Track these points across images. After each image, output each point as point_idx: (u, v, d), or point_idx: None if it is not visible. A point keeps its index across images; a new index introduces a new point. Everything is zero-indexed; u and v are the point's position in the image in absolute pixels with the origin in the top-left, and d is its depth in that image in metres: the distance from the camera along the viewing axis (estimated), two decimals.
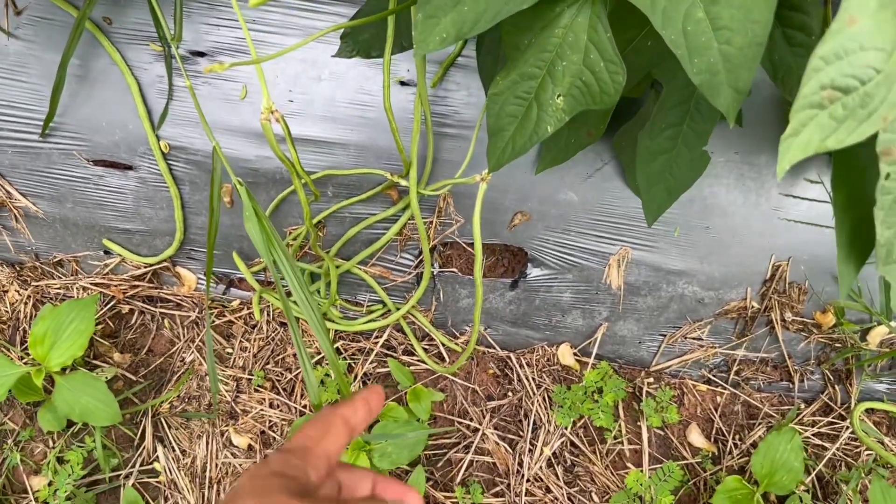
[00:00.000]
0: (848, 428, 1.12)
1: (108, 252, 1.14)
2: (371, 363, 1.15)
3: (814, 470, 1.11)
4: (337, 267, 1.07)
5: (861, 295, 1.03)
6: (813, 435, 1.13)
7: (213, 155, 0.84)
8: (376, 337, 1.16)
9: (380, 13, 0.70)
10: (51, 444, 1.15)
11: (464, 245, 1.08)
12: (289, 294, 1.15)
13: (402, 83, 0.96)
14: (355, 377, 1.14)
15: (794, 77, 0.66)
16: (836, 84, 0.41)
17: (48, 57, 0.98)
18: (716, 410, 1.16)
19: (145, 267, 1.14)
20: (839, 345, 1.11)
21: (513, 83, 0.64)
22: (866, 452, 1.11)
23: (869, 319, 1.08)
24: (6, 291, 1.17)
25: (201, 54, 0.97)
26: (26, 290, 1.16)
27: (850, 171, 0.52)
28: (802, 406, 1.15)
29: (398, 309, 1.11)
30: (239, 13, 0.68)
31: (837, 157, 0.53)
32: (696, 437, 1.14)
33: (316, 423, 0.41)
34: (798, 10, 0.64)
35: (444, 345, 1.15)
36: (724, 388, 1.16)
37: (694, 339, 1.12)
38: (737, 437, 1.14)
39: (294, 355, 1.16)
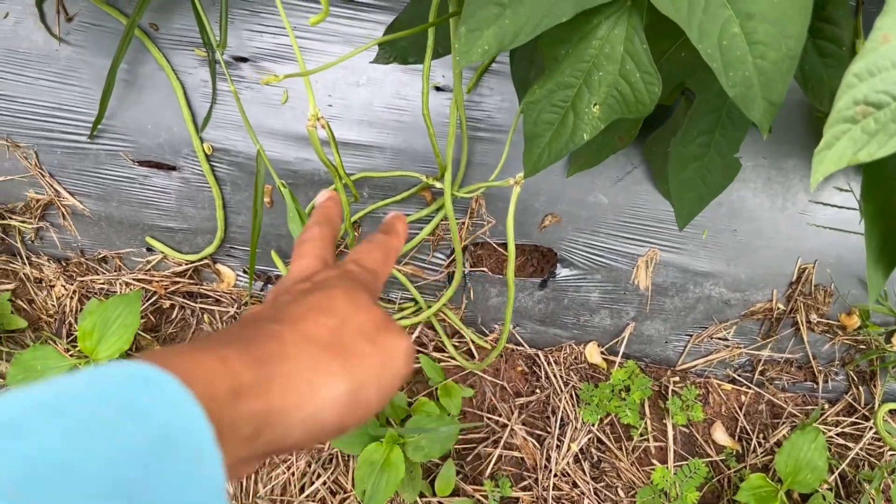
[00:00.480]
0: (871, 428, 1.13)
1: (150, 249, 1.18)
2: None
3: (837, 469, 1.12)
4: None
5: (887, 298, 1.05)
6: (836, 435, 1.14)
7: (258, 158, 0.87)
8: (408, 333, 1.19)
9: (420, 26, 0.73)
10: None
11: (494, 245, 1.11)
12: None
13: (437, 88, 0.99)
14: None
15: (825, 87, 0.68)
16: (868, 100, 0.43)
17: (97, 61, 1.02)
18: (740, 409, 1.17)
19: (186, 264, 1.18)
20: (864, 347, 1.12)
21: (550, 92, 0.66)
22: (889, 453, 1.12)
23: (894, 322, 1.09)
24: (53, 286, 1.22)
25: (244, 60, 1.01)
26: (72, 285, 1.21)
27: (881, 182, 0.54)
28: (826, 406, 1.17)
29: (429, 307, 1.14)
30: (286, 21, 0.71)
31: (868, 170, 0.55)
32: (720, 435, 1.16)
33: (376, 250, 0.44)
34: (829, 22, 0.66)
35: (473, 342, 1.18)
36: (749, 388, 1.18)
37: (720, 339, 1.14)
38: (761, 435, 1.16)
39: None
